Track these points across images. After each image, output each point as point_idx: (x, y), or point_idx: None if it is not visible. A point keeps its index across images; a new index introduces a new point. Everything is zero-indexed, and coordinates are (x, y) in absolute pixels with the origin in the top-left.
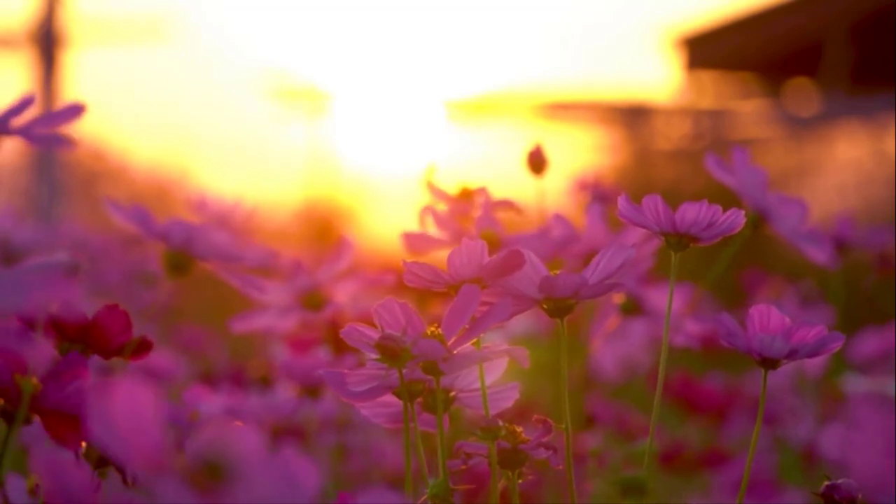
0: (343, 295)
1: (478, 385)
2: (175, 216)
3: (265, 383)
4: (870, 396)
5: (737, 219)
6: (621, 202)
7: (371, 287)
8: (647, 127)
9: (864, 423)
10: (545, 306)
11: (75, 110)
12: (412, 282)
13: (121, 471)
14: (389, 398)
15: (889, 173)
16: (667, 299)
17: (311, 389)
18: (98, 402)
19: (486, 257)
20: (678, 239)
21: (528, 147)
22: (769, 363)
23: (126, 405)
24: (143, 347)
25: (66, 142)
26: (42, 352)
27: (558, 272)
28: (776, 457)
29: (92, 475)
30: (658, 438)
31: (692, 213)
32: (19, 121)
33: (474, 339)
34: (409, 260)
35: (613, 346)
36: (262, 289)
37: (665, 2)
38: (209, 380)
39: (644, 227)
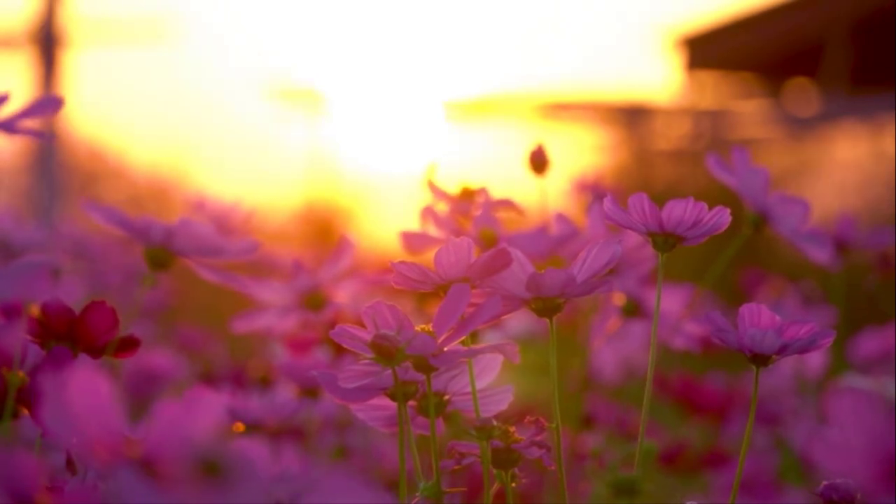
0: (344, 295)
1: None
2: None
3: (265, 384)
4: (854, 391)
5: (722, 217)
6: (607, 204)
7: (371, 287)
8: (647, 127)
9: (844, 420)
10: (533, 306)
11: (51, 104)
12: (400, 283)
13: (70, 461)
14: (384, 401)
15: (889, 173)
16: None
17: (311, 390)
18: (52, 390)
19: (474, 256)
20: (664, 238)
21: (529, 147)
22: (760, 359)
23: (82, 394)
24: (130, 345)
25: (40, 134)
26: (26, 347)
27: (545, 269)
28: (776, 457)
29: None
30: (658, 438)
31: (679, 211)
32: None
33: (464, 337)
34: (405, 259)
35: (613, 348)
36: (246, 285)
37: (665, 2)
38: (209, 380)
39: (630, 227)
